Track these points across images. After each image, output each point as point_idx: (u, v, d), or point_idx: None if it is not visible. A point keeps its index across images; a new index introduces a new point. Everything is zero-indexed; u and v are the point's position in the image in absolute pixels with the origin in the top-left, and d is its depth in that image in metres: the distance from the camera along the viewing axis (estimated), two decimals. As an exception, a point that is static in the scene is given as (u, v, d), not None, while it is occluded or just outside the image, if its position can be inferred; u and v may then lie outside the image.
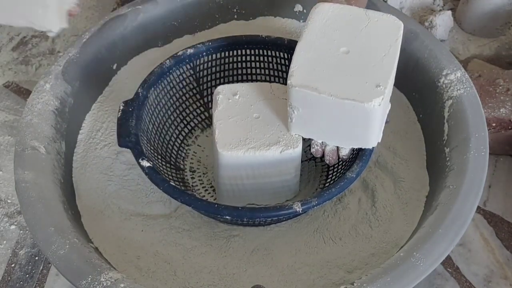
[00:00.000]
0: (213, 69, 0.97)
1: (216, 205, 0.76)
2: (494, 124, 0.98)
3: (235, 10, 1.08)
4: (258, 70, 0.98)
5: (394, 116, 0.91)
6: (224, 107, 0.83)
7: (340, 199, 0.88)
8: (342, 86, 0.72)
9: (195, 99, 0.98)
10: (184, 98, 0.96)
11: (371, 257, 0.82)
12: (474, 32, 1.22)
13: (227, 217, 0.77)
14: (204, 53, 0.94)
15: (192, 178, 0.94)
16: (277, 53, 0.95)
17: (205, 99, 0.99)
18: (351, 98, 0.71)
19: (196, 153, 0.97)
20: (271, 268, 0.82)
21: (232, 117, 0.82)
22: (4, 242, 0.96)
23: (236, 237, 0.86)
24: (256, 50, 0.96)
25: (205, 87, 0.98)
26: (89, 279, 0.70)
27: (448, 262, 0.91)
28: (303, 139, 0.81)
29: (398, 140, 0.94)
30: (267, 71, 0.98)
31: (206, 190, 0.92)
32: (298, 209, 0.74)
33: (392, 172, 0.90)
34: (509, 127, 0.98)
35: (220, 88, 0.86)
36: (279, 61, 0.96)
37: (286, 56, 0.95)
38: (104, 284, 0.69)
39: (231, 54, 0.96)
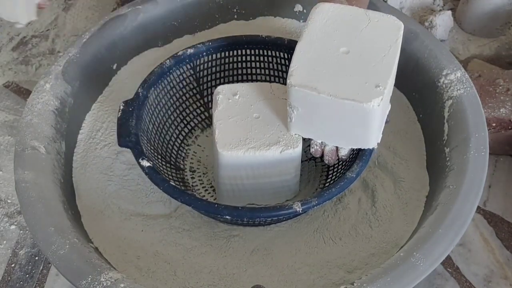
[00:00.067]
0: (213, 69, 0.97)
1: (216, 205, 0.76)
2: (494, 124, 0.98)
3: (235, 10, 1.08)
4: (258, 70, 0.98)
5: (394, 116, 0.91)
6: (224, 107, 0.83)
7: (340, 199, 0.88)
8: (341, 86, 0.72)
9: (195, 99, 0.98)
10: (184, 98, 0.96)
11: (371, 257, 0.82)
12: (474, 32, 1.22)
13: (227, 217, 0.77)
14: (204, 53, 0.94)
15: (192, 178, 0.94)
16: (277, 53, 0.95)
17: (205, 99, 0.99)
18: (351, 98, 0.71)
19: (196, 153, 0.97)
20: (271, 268, 0.82)
21: (232, 117, 0.82)
22: (4, 242, 0.96)
23: (236, 237, 0.86)
24: (256, 50, 0.96)
25: (205, 87, 0.98)
26: (89, 279, 0.70)
27: (448, 262, 0.91)
28: (303, 139, 0.81)
29: (398, 140, 0.94)
30: (267, 71, 0.98)
31: (206, 190, 0.92)
32: (298, 209, 0.74)
33: (392, 172, 0.90)
34: (509, 127, 0.98)
35: (220, 88, 0.86)
36: (279, 61, 0.96)
37: (286, 56, 0.95)
38: (104, 284, 0.69)
39: (231, 54, 0.96)
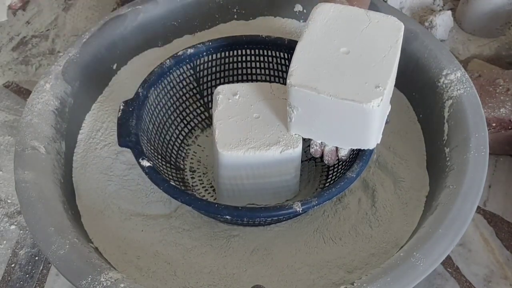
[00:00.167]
0: (213, 69, 0.97)
1: (216, 205, 0.76)
2: (494, 124, 0.98)
3: (235, 10, 1.08)
4: (258, 70, 0.98)
5: (394, 116, 0.91)
6: (224, 107, 0.83)
7: (340, 199, 0.88)
8: (341, 86, 0.72)
9: (195, 99, 0.98)
10: (184, 98, 0.96)
11: (371, 257, 0.82)
12: (474, 32, 1.22)
13: (227, 217, 0.77)
14: (204, 53, 0.94)
15: (192, 178, 0.94)
16: (277, 53, 0.95)
17: (205, 99, 0.99)
18: (350, 98, 0.71)
19: (196, 153, 0.97)
20: (271, 268, 0.82)
21: (232, 117, 0.82)
22: (4, 242, 0.96)
23: (236, 237, 0.86)
24: (256, 50, 0.96)
25: (205, 87, 0.98)
26: (89, 279, 0.70)
27: (448, 262, 0.91)
28: (303, 139, 0.81)
29: (398, 140, 0.94)
30: (267, 71, 0.98)
31: (206, 190, 0.92)
32: (298, 209, 0.74)
33: (392, 172, 0.90)
34: (509, 127, 0.98)
35: (220, 88, 0.86)
36: (279, 61, 0.96)
37: (286, 56, 0.95)
38: (104, 284, 0.69)
39: (231, 54, 0.96)
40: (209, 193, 0.92)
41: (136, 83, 0.89)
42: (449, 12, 1.21)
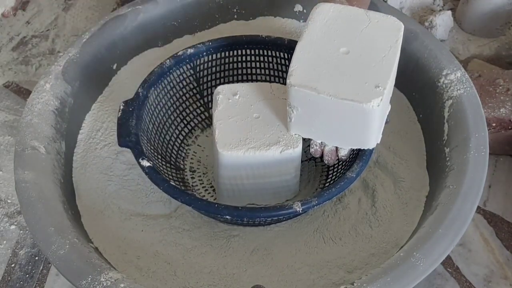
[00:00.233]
0: (213, 69, 0.97)
1: (216, 205, 0.76)
2: (494, 124, 0.98)
3: (235, 10, 1.08)
4: (258, 70, 0.98)
5: (394, 116, 0.91)
6: (224, 107, 0.83)
7: (340, 199, 0.88)
8: (341, 86, 0.72)
9: (195, 99, 0.98)
10: (184, 98, 0.96)
11: (371, 257, 0.82)
12: (474, 32, 1.22)
13: (227, 217, 0.77)
14: (204, 53, 0.94)
15: (192, 178, 0.94)
16: (277, 53, 0.95)
17: (205, 99, 0.99)
18: (350, 98, 0.71)
19: (196, 153, 0.97)
20: (271, 268, 0.82)
21: (232, 117, 0.82)
22: (4, 242, 0.96)
23: (236, 237, 0.86)
24: (256, 50, 0.96)
25: (205, 87, 0.98)
26: (89, 279, 0.70)
27: (448, 262, 0.91)
28: (303, 139, 0.81)
29: (398, 140, 0.94)
30: (267, 71, 0.98)
31: (206, 190, 0.92)
32: (298, 209, 0.74)
33: (392, 172, 0.90)
34: (509, 127, 0.98)
35: (220, 88, 0.86)
36: (279, 61, 0.96)
37: (286, 56, 0.95)
38: (104, 284, 0.69)
39: (231, 54, 0.96)
40: (209, 193, 0.92)
41: (136, 83, 0.89)
42: (449, 12, 1.21)
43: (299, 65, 0.74)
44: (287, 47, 0.93)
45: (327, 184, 0.90)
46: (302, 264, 0.82)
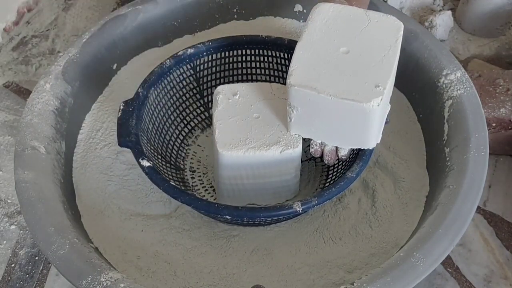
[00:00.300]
0: (213, 69, 0.97)
1: (216, 205, 0.76)
2: (494, 124, 0.98)
3: (235, 10, 1.08)
4: (258, 70, 0.98)
5: (394, 116, 0.91)
6: (224, 107, 0.83)
7: (340, 199, 0.88)
8: (341, 86, 0.72)
9: (195, 99, 0.98)
10: (184, 98, 0.96)
11: (371, 257, 0.82)
12: (474, 32, 1.22)
13: (227, 217, 0.76)
14: (204, 53, 0.94)
15: (192, 178, 0.94)
16: (277, 53, 0.95)
17: (205, 99, 0.99)
18: (350, 98, 0.71)
19: (196, 153, 0.97)
20: (271, 268, 0.82)
21: (232, 117, 0.82)
22: (4, 242, 0.96)
23: (236, 237, 0.86)
24: (256, 50, 0.96)
25: (205, 87, 0.98)
26: (89, 279, 0.70)
27: (448, 262, 0.91)
28: (303, 139, 0.81)
29: (398, 140, 0.94)
30: (267, 71, 0.98)
31: (206, 190, 0.92)
32: (298, 209, 0.74)
33: (392, 172, 0.90)
34: (509, 127, 0.98)
35: (220, 88, 0.86)
36: (279, 61, 0.96)
37: (286, 56, 0.95)
38: (104, 284, 0.69)
39: (231, 54, 0.96)
40: (209, 193, 0.92)
41: (136, 83, 0.89)
42: (449, 12, 1.21)
43: (299, 65, 0.74)
44: (287, 47, 0.93)
45: (327, 184, 0.90)
46: (302, 264, 0.82)
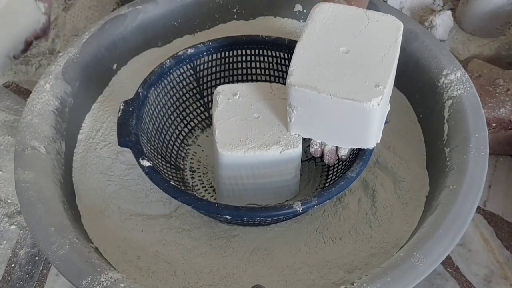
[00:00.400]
0: (213, 69, 0.97)
1: (216, 205, 0.76)
2: (494, 124, 0.98)
3: (235, 10, 1.08)
4: (258, 70, 0.98)
5: (394, 116, 0.91)
6: (224, 107, 0.83)
7: (340, 199, 0.88)
8: (341, 85, 0.72)
9: (195, 99, 0.98)
10: (184, 98, 0.96)
11: (371, 257, 0.82)
12: (474, 32, 1.22)
13: (227, 216, 0.76)
14: (204, 53, 0.94)
15: (192, 178, 0.94)
16: (277, 53, 0.95)
17: (205, 99, 0.99)
18: (350, 97, 0.71)
19: (196, 153, 0.97)
20: (271, 268, 0.82)
21: (232, 117, 0.82)
22: (4, 242, 0.96)
23: (236, 237, 0.86)
24: (256, 50, 0.96)
25: (205, 87, 0.98)
26: (89, 279, 0.70)
27: (448, 262, 0.91)
28: (303, 139, 0.81)
29: (398, 140, 0.94)
30: (267, 71, 0.98)
31: (206, 190, 0.92)
32: (298, 209, 0.74)
33: (392, 172, 0.90)
34: (509, 127, 0.98)
35: (220, 88, 0.86)
36: (279, 61, 0.96)
37: (286, 56, 0.95)
38: (104, 284, 0.69)
39: (231, 54, 0.96)
40: (209, 193, 0.92)
41: (136, 83, 0.89)
42: (449, 12, 1.21)
43: (299, 64, 0.74)
44: (287, 47, 0.93)
45: (327, 184, 0.90)
46: (302, 264, 0.82)
